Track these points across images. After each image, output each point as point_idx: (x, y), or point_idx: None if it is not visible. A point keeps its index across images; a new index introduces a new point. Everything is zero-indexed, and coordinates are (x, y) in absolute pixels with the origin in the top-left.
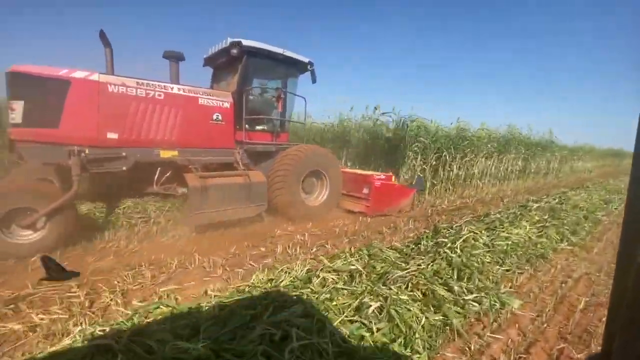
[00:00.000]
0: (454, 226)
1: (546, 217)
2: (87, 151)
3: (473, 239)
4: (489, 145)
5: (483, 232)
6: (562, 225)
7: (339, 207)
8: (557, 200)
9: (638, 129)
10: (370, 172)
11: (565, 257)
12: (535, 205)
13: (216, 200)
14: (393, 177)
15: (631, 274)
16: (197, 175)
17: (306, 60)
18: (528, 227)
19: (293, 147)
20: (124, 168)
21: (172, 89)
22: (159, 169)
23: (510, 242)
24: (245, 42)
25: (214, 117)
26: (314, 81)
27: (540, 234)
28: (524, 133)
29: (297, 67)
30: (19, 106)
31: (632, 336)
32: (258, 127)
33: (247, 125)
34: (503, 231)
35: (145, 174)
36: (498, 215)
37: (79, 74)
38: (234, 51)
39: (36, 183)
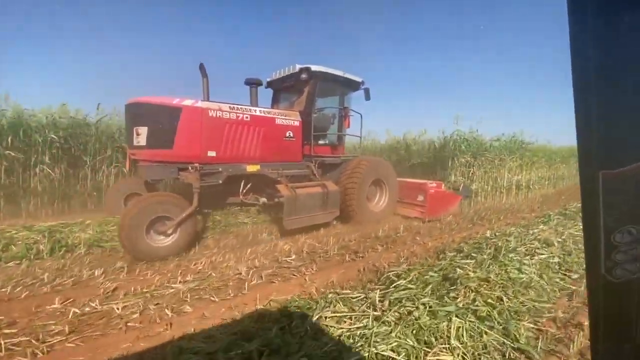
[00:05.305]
0: None
1: None
2: (203, 168)
3: None
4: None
5: None
6: None
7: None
8: None
9: (576, 122)
10: (423, 181)
11: None
12: None
13: (304, 207)
14: (442, 185)
15: (600, 286)
16: (287, 185)
17: (359, 79)
18: None
19: (359, 158)
20: (220, 181)
21: (255, 111)
22: (243, 181)
23: None
24: (313, 68)
25: (287, 134)
26: (367, 98)
27: None
28: None
29: (351, 86)
30: (144, 131)
31: (614, 343)
32: (320, 142)
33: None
34: None
35: (225, 187)
36: None
37: (187, 102)
38: (304, 76)
39: (174, 195)
